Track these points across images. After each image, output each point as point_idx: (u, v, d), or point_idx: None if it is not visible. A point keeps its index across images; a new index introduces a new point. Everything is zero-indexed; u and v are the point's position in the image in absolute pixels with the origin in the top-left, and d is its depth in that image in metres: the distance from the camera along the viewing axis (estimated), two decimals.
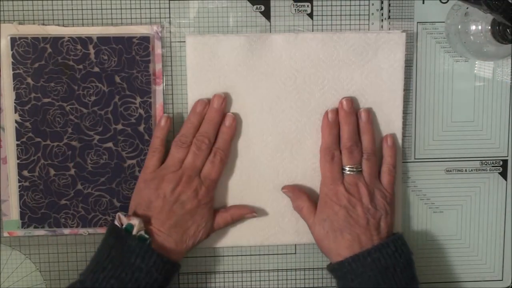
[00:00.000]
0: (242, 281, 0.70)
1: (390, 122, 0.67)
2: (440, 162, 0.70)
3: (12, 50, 0.63)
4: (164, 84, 0.66)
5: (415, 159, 0.69)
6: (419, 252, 0.70)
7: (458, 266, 0.71)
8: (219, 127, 0.64)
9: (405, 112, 0.68)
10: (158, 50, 0.65)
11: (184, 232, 0.62)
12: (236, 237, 0.68)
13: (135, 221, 0.60)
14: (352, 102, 0.65)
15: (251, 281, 0.70)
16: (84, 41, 0.64)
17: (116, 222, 0.61)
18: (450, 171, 0.70)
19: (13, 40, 0.63)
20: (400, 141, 0.68)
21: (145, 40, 0.64)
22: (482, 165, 0.70)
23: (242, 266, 0.70)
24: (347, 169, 0.64)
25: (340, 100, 0.65)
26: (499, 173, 0.70)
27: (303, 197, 0.65)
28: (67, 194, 0.66)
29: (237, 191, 0.67)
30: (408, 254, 0.62)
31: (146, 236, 0.60)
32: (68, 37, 0.64)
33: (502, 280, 0.72)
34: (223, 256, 0.69)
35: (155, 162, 0.63)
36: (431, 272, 0.71)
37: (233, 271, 0.70)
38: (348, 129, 0.64)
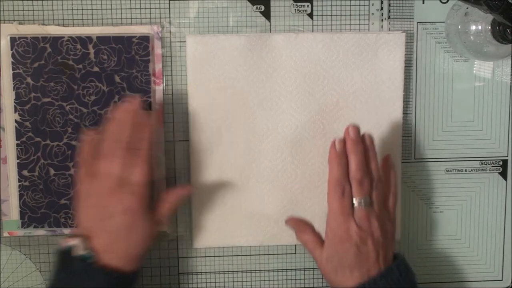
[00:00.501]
0: (242, 281, 0.70)
1: (390, 122, 0.67)
2: (440, 162, 0.70)
3: (12, 49, 0.63)
4: (164, 84, 0.66)
5: (415, 159, 0.69)
6: (419, 252, 0.70)
7: (458, 266, 0.71)
8: (137, 128, 0.60)
9: (405, 112, 0.68)
10: (158, 50, 0.65)
11: (127, 244, 0.58)
12: (236, 237, 0.68)
13: (75, 241, 0.57)
14: (359, 130, 0.61)
15: (251, 281, 0.70)
16: (84, 40, 0.64)
17: (60, 246, 0.59)
18: (450, 171, 0.70)
19: (13, 40, 0.63)
20: (400, 141, 0.68)
21: (144, 40, 0.64)
22: (482, 165, 0.70)
23: (242, 266, 0.70)
24: (357, 201, 0.60)
25: (346, 128, 0.61)
26: (499, 173, 0.70)
27: (308, 230, 0.63)
28: (67, 194, 0.66)
29: (237, 191, 0.67)
30: (411, 277, 0.60)
31: (90, 254, 0.57)
32: (68, 37, 0.64)
33: (502, 280, 0.72)
34: (223, 256, 0.69)
35: (108, 169, 0.59)
36: (431, 272, 0.71)
37: (233, 271, 0.70)
38: (357, 159, 0.60)
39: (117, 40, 0.64)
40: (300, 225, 0.64)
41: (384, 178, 0.63)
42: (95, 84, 0.65)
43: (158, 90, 0.66)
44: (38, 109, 0.64)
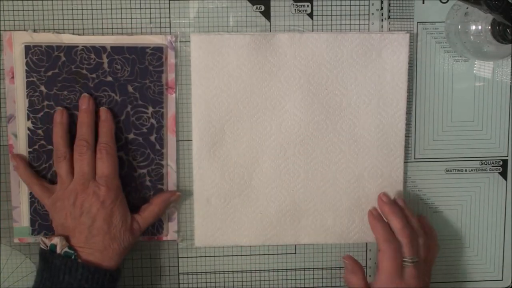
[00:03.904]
0: (242, 281, 0.70)
1: (394, 123, 0.67)
2: (440, 162, 0.70)
3: (26, 58, 0.63)
4: (177, 93, 0.66)
5: (415, 159, 0.69)
6: None
7: (458, 266, 0.71)
8: (95, 126, 0.63)
9: (405, 112, 0.68)
10: (171, 60, 0.65)
11: (104, 238, 0.60)
12: (236, 237, 0.68)
13: (56, 240, 0.59)
14: (387, 196, 0.67)
15: (251, 281, 0.70)
16: (98, 50, 0.64)
17: (42, 246, 0.60)
18: (450, 171, 0.70)
19: (27, 48, 0.63)
20: (403, 142, 0.68)
21: (158, 51, 0.64)
22: (482, 165, 0.70)
23: (242, 266, 0.70)
24: (409, 260, 0.62)
25: (378, 196, 0.67)
26: (499, 173, 0.70)
27: (359, 274, 0.64)
28: None
29: (240, 190, 0.67)
30: None
31: (71, 251, 0.59)
32: (82, 46, 0.64)
33: (502, 280, 0.72)
34: (223, 256, 0.69)
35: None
36: (431, 272, 0.71)
37: (233, 271, 0.70)
38: (399, 219, 0.63)
39: (131, 50, 0.64)
40: (354, 266, 0.64)
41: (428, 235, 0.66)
42: (108, 94, 0.64)
43: (171, 99, 0.66)
44: (51, 117, 0.64)
